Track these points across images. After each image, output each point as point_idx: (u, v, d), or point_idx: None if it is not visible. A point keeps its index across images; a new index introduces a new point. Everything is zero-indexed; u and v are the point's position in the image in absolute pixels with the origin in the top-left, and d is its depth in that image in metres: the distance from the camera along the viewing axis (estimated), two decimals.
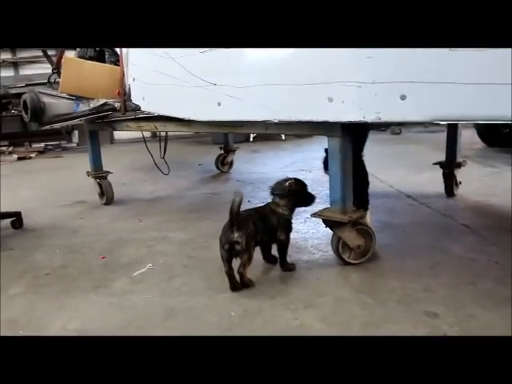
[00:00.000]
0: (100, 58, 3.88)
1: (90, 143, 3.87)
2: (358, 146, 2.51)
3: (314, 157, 5.91)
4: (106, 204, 3.89)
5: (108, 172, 3.95)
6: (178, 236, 2.96)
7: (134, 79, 3.05)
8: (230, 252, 2.04)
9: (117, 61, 3.56)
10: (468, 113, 1.68)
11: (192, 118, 2.67)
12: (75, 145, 8.61)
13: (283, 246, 2.28)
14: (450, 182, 3.56)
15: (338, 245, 2.30)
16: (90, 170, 3.94)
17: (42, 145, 8.53)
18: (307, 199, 2.36)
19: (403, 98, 1.79)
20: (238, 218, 2.01)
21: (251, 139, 7.85)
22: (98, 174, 3.90)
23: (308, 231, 2.90)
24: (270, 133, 2.57)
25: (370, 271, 2.27)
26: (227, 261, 2.07)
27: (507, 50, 1.51)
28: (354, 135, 2.19)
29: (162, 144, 4.15)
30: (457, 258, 2.39)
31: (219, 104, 2.48)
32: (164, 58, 2.66)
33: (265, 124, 2.42)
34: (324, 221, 2.34)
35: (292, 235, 2.33)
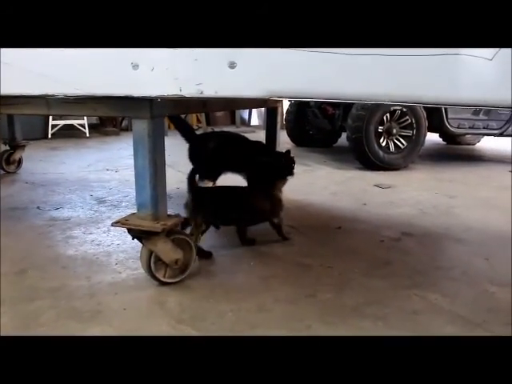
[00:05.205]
0: None
1: None
2: None
3: (120, 155, 5.33)
4: None
5: None
6: None
7: None
8: None
9: None
10: (319, 88, 1.31)
11: None
12: None
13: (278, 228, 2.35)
14: None
15: (150, 261, 1.78)
16: None
17: None
18: None
19: (232, 65, 1.35)
20: (193, 188, 2.08)
21: (49, 136, 6.75)
22: None
23: (112, 243, 2.30)
24: (53, 115, 1.91)
25: (193, 292, 1.80)
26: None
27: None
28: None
29: None
30: (290, 265, 2.08)
31: None
32: None
33: (45, 101, 1.75)
34: (130, 231, 1.79)
35: (92, 249, 1.97)
